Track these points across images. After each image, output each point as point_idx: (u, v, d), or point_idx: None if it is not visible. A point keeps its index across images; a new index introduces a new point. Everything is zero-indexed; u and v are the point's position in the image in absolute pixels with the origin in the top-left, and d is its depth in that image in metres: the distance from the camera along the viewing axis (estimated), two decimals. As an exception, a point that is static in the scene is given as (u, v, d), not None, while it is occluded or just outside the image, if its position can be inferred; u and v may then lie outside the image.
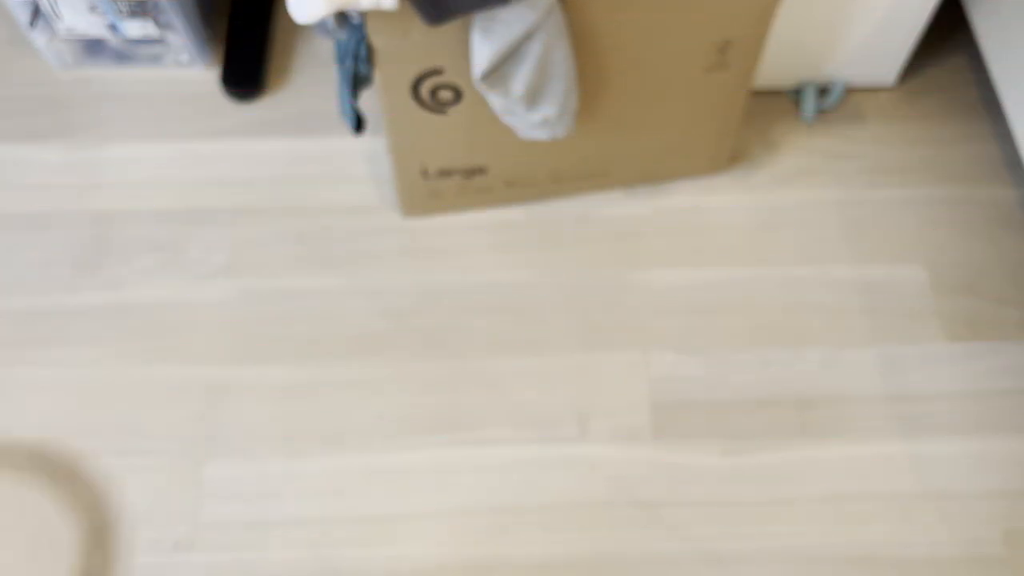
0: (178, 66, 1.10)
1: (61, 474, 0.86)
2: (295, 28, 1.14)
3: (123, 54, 1.09)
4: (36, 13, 1.03)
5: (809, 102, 1.07)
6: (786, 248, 1.00)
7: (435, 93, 0.84)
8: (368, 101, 0.87)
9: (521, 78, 0.77)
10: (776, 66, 1.03)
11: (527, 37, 0.74)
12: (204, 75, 1.11)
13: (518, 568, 0.83)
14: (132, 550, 0.83)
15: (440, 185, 0.96)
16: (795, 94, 1.09)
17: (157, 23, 1.03)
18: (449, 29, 0.75)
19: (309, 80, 1.11)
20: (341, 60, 0.80)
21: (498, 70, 0.77)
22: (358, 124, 0.87)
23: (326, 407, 0.90)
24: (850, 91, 1.10)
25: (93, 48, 1.09)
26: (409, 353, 0.93)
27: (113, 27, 1.04)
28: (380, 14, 0.74)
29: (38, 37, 1.06)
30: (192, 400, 0.90)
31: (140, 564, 0.82)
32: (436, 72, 0.81)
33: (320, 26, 0.77)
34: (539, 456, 0.88)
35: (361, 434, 0.89)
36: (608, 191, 1.02)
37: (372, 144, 1.05)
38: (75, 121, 1.08)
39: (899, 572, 0.83)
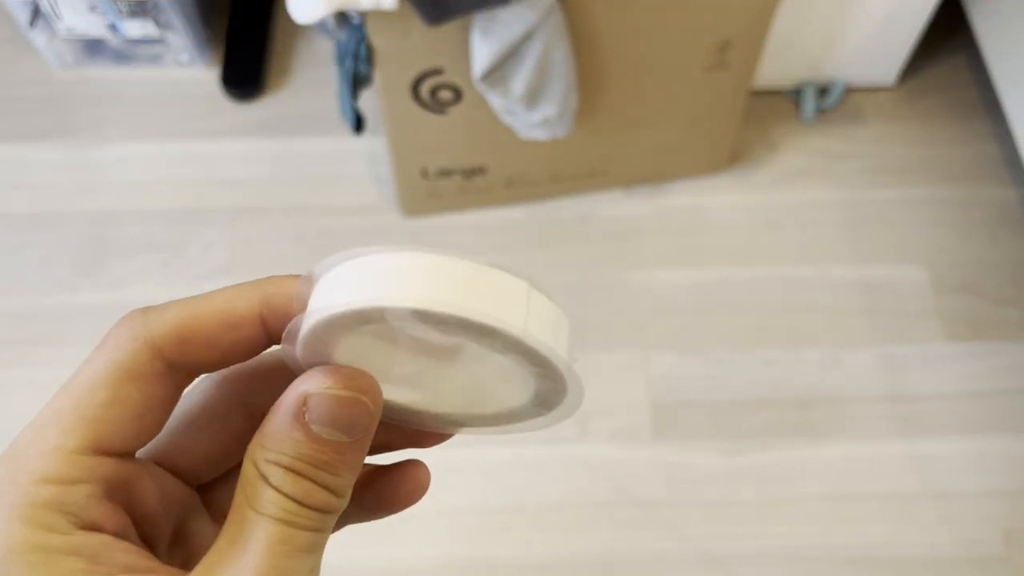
0: (178, 66, 1.10)
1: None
2: (295, 28, 1.14)
3: (123, 54, 1.09)
4: (36, 13, 1.03)
5: (809, 102, 1.07)
6: (786, 248, 1.00)
7: (435, 93, 0.84)
8: (368, 101, 0.87)
9: (521, 78, 0.77)
10: (776, 66, 1.03)
11: (527, 37, 0.74)
12: (204, 75, 1.11)
13: (518, 568, 0.83)
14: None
15: (440, 185, 0.96)
16: (795, 94, 1.09)
17: (157, 23, 1.03)
18: (449, 29, 0.75)
19: (309, 80, 1.11)
20: (341, 60, 0.80)
21: (498, 70, 0.77)
22: (358, 124, 0.87)
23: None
24: (850, 91, 1.10)
25: (93, 48, 1.09)
26: (409, 353, 0.93)
27: (113, 27, 1.04)
28: (380, 14, 0.74)
29: (38, 37, 1.06)
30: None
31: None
32: (436, 72, 0.81)
33: (320, 26, 0.77)
34: (539, 456, 0.88)
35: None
36: (608, 191, 1.02)
37: (372, 144, 1.05)
38: (75, 121, 1.08)
39: (899, 572, 0.83)
